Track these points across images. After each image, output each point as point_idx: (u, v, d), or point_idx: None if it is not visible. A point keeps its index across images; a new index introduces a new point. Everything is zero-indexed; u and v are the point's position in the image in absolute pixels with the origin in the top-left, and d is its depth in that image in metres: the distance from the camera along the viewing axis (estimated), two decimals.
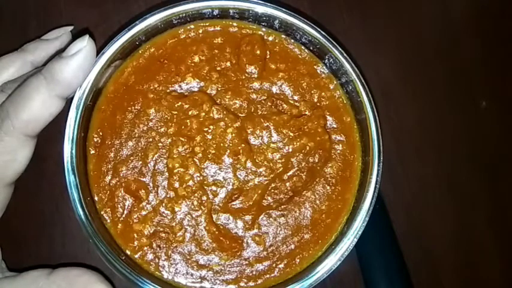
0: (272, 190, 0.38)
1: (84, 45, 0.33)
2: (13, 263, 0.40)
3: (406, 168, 0.54)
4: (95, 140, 0.37)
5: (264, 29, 0.40)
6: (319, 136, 0.38)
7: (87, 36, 0.33)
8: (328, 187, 0.39)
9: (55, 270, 0.37)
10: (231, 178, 0.37)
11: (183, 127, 0.37)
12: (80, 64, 0.33)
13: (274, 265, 0.37)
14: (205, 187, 0.37)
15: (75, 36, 0.35)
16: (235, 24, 0.40)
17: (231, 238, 0.37)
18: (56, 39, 0.41)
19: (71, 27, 0.41)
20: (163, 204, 0.37)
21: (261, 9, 0.38)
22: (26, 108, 0.33)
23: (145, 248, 0.37)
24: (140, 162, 0.37)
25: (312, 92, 0.40)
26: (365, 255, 0.50)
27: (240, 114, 0.38)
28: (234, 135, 0.37)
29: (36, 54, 0.40)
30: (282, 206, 0.38)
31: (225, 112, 0.37)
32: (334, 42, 0.38)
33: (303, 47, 0.40)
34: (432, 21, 0.57)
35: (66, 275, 0.36)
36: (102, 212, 0.37)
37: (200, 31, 0.40)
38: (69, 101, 0.37)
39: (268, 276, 0.37)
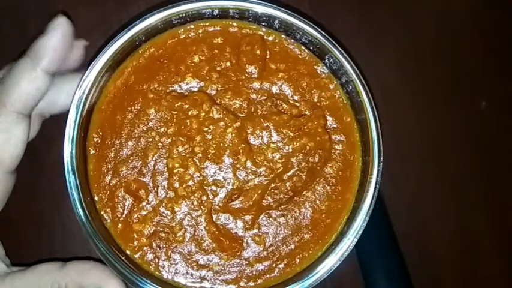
0: (272, 190, 0.38)
1: (60, 21, 0.36)
2: (13, 263, 0.40)
3: (406, 168, 0.54)
4: (95, 140, 0.37)
5: (264, 29, 0.40)
6: (319, 136, 0.38)
7: (60, 15, 0.36)
8: (328, 187, 0.39)
9: (67, 263, 0.37)
10: (231, 178, 0.37)
11: (183, 127, 0.37)
12: (58, 38, 0.36)
13: (274, 265, 0.37)
14: (205, 187, 0.37)
15: None
16: (235, 24, 0.40)
17: (231, 238, 0.37)
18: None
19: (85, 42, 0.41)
20: (163, 204, 0.37)
21: (261, 9, 0.38)
22: (15, 86, 0.35)
23: (145, 248, 0.37)
24: (140, 162, 0.37)
25: (312, 92, 0.40)
26: (365, 255, 0.50)
27: (240, 114, 0.38)
28: (234, 135, 0.37)
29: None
30: (282, 206, 0.38)
31: (225, 112, 0.37)
32: (334, 42, 0.38)
33: (303, 47, 0.40)
34: (432, 21, 0.57)
35: (79, 268, 0.37)
36: (102, 212, 0.37)
37: (200, 31, 0.39)
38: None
39: (268, 276, 0.37)
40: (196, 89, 0.39)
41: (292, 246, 0.38)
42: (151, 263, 0.37)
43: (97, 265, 0.37)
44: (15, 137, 0.36)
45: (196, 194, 0.37)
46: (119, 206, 0.37)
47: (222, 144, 0.37)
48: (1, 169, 0.37)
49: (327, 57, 0.39)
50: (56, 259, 0.38)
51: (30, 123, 0.37)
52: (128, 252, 0.36)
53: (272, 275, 0.37)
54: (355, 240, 0.36)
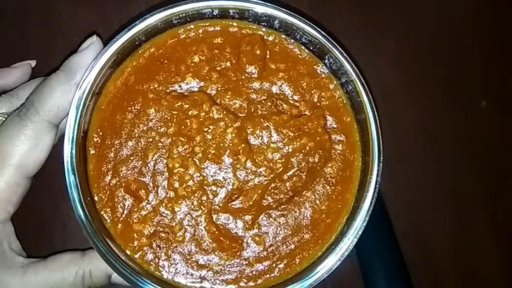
0: (272, 190, 0.38)
1: (94, 40, 0.38)
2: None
3: (406, 168, 0.54)
4: (95, 140, 0.37)
5: (264, 29, 0.40)
6: (319, 136, 0.38)
7: (95, 35, 0.39)
8: (328, 187, 0.39)
9: (87, 251, 0.38)
10: (231, 178, 0.37)
11: (183, 127, 0.37)
12: (92, 56, 0.37)
13: (274, 265, 0.37)
14: (205, 187, 0.37)
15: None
16: (235, 24, 0.40)
17: (231, 238, 0.37)
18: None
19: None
20: (163, 204, 0.37)
21: (261, 9, 0.38)
22: (49, 97, 0.37)
23: (145, 248, 0.37)
24: (140, 162, 0.37)
25: (312, 92, 0.40)
26: (365, 255, 0.50)
27: (240, 114, 0.38)
28: (234, 135, 0.37)
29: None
30: (282, 206, 0.38)
31: (225, 112, 0.37)
32: (334, 42, 0.38)
33: (303, 47, 0.40)
34: (432, 21, 0.57)
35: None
36: (102, 212, 0.37)
37: (200, 31, 0.40)
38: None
39: (268, 276, 0.37)
40: (196, 89, 0.39)
41: (292, 246, 0.38)
42: (151, 263, 0.37)
43: None
44: (43, 144, 0.37)
45: (196, 194, 0.37)
46: (119, 206, 0.37)
47: (222, 144, 0.37)
48: (24, 173, 0.37)
49: (327, 57, 0.39)
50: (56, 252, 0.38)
51: (57, 132, 0.38)
52: (128, 252, 0.36)
53: (272, 275, 0.37)
54: (355, 240, 0.36)
